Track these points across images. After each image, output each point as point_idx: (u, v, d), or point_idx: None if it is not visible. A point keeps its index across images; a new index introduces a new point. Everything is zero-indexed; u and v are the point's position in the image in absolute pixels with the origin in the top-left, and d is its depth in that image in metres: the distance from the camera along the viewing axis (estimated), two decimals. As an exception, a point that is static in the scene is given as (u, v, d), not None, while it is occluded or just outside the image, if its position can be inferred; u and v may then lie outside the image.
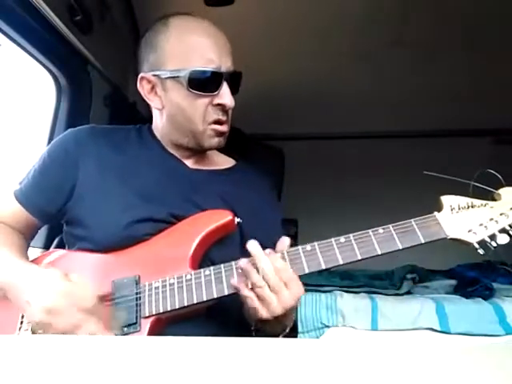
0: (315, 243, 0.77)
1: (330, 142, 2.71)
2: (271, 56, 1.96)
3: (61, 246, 1.00)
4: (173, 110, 0.91)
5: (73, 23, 1.32)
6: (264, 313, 0.72)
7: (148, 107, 0.98)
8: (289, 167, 2.18)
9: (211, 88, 0.88)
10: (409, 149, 2.57)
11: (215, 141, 0.93)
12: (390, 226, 0.77)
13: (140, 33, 1.77)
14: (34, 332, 0.76)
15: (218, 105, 0.89)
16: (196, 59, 0.87)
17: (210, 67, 0.87)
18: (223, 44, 0.90)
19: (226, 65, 0.89)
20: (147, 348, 0.47)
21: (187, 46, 0.89)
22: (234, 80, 0.92)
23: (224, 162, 1.04)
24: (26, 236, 0.97)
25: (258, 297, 0.72)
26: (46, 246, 1.42)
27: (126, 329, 0.75)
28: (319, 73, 2.10)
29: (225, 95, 0.89)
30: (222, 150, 1.05)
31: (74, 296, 0.73)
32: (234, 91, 0.91)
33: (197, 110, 0.89)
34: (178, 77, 0.88)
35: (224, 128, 0.92)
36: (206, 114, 0.89)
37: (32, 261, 0.90)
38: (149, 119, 1.02)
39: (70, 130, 0.99)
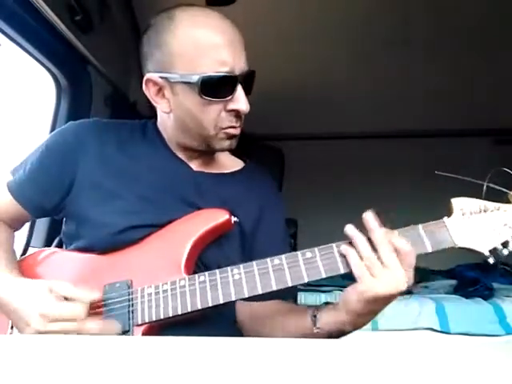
0: (315, 249, 0.74)
1: (330, 142, 2.71)
2: (271, 56, 1.95)
3: (61, 245, 0.99)
4: (182, 114, 0.85)
5: (73, 23, 1.32)
6: (379, 286, 0.69)
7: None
8: (288, 167, 2.18)
9: (225, 93, 0.81)
10: (409, 149, 2.57)
11: (227, 143, 0.87)
12: (396, 231, 0.71)
13: (140, 32, 1.77)
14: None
15: (232, 110, 0.83)
16: (208, 62, 0.79)
17: (223, 71, 0.79)
18: (237, 41, 0.82)
19: (239, 65, 0.81)
20: (146, 348, 0.47)
21: (197, 45, 0.79)
22: (248, 80, 0.85)
23: (232, 164, 0.99)
24: (15, 227, 0.94)
25: (369, 268, 0.71)
26: (47, 246, 1.42)
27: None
28: (319, 73, 2.11)
29: (239, 100, 0.82)
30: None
31: (59, 318, 0.70)
32: (247, 92, 0.84)
33: (209, 116, 0.83)
34: (188, 82, 0.80)
35: (237, 131, 0.87)
36: (218, 120, 0.83)
37: (22, 260, 0.88)
38: (150, 119, 1.00)
39: (71, 122, 0.93)
